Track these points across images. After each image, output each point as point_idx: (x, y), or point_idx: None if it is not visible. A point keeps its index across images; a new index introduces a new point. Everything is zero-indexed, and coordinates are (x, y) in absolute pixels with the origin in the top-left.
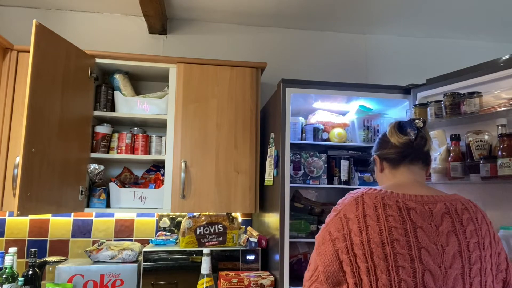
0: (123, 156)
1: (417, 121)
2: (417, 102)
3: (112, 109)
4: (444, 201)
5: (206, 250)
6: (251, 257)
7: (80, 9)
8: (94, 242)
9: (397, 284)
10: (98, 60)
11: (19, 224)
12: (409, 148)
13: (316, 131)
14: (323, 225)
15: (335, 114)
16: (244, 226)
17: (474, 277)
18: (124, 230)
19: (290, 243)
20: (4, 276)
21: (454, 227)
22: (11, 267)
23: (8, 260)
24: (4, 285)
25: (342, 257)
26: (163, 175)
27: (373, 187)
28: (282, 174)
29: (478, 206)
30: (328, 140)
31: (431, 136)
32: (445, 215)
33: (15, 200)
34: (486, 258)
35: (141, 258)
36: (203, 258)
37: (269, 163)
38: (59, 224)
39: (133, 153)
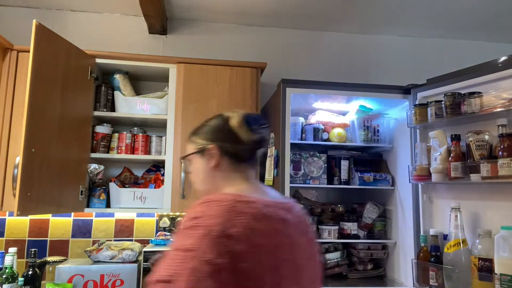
0: (123, 156)
1: (265, 120)
2: (417, 102)
3: (112, 109)
4: (292, 203)
5: None
6: None
7: (80, 9)
8: (94, 242)
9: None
10: (98, 60)
11: (19, 224)
12: (255, 146)
13: (316, 131)
14: (182, 241)
15: (335, 114)
16: None
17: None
18: (124, 230)
19: None
20: (4, 276)
21: (305, 230)
22: (11, 267)
23: (8, 260)
24: (4, 285)
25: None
26: (163, 175)
27: (229, 193)
28: (282, 174)
29: None
30: (328, 140)
31: (431, 136)
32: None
33: (15, 200)
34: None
35: (141, 258)
36: None
37: (269, 163)
38: (59, 224)
39: (133, 153)
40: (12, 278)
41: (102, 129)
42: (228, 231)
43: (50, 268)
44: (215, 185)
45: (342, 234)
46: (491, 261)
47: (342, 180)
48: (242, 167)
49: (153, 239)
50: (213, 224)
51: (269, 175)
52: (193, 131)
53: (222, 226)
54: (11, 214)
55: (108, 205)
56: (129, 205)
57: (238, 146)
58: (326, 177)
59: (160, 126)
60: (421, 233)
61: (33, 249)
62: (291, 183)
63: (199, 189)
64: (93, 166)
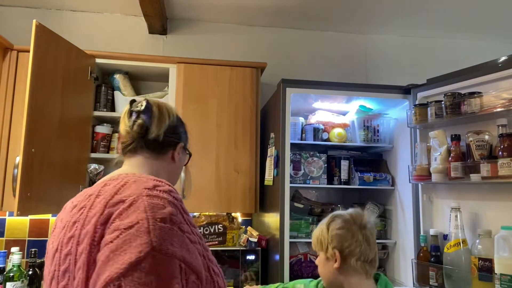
0: None
1: (136, 103)
2: (417, 102)
3: (112, 109)
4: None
5: None
6: (251, 257)
7: (80, 9)
8: None
9: None
10: (98, 60)
11: (19, 224)
12: (135, 132)
13: (316, 131)
14: None
15: (335, 114)
16: (244, 226)
17: None
18: None
19: (290, 243)
20: (11, 275)
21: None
22: (19, 266)
23: (16, 258)
24: (7, 283)
25: None
26: None
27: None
28: (282, 174)
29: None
30: (328, 140)
31: (431, 136)
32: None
33: (15, 200)
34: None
35: None
36: None
37: (269, 163)
38: None
39: None
40: (21, 276)
41: (102, 129)
42: None
43: None
44: None
45: None
46: (491, 261)
47: (342, 180)
48: (126, 157)
49: None
50: None
51: (269, 175)
52: None
53: None
54: (11, 214)
55: None
56: None
57: (122, 140)
58: (326, 177)
59: None
60: (421, 233)
61: (33, 249)
62: (291, 183)
63: None
64: (93, 166)
